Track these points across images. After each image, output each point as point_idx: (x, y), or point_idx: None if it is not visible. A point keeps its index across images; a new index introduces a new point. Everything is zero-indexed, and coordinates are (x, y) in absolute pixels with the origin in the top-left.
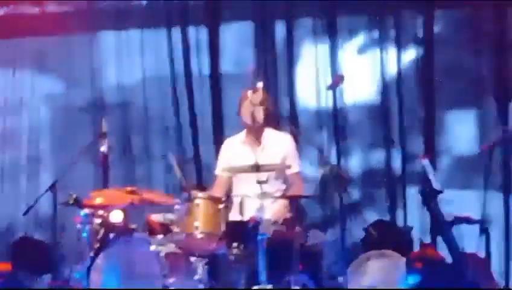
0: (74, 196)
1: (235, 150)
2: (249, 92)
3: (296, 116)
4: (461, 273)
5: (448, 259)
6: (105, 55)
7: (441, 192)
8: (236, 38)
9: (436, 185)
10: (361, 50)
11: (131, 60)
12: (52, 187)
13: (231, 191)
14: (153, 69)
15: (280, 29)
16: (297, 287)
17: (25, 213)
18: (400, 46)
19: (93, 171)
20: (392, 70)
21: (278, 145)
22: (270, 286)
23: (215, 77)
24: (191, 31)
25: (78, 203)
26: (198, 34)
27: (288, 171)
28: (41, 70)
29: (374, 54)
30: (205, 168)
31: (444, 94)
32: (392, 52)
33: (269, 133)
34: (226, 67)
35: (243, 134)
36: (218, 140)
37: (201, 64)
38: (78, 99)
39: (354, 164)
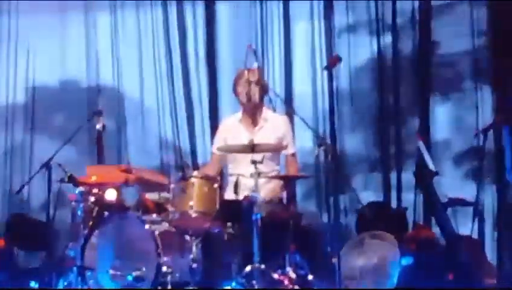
0: (69, 173)
1: (231, 129)
2: (245, 72)
3: (291, 97)
4: (455, 255)
5: (442, 241)
6: (101, 31)
7: (436, 173)
8: (233, 16)
9: (431, 166)
10: (357, 31)
11: (126, 36)
12: (47, 165)
13: (225, 169)
14: (149, 46)
15: (277, 8)
16: (291, 268)
17: (19, 191)
18: (396, 28)
19: (87, 150)
20: (388, 51)
21: (274, 125)
22: (263, 266)
23: (212, 55)
24: (188, 8)
25: (73, 181)
26: (195, 12)
27: (285, 152)
28: (36, 48)
29: (371, 35)
30: (200, 148)
31: (440, 78)
32: (388, 34)
33: (266, 114)
34: (222, 46)
35: (239, 114)
36: (214, 119)
37: (197, 43)
38: (73, 76)
39: (349, 145)
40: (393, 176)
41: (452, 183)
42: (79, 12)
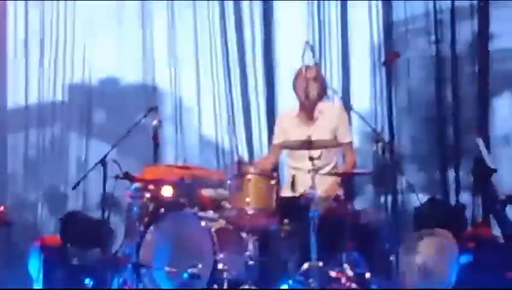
0: (124, 171)
1: (288, 125)
2: (303, 68)
3: (349, 93)
4: None
5: (501, 239)
6: (156, 26)
7: (495, 170)
8: (291, 13)
9: (490, 163)
10: (415, 25)
11: (183, 32)
12: (102, 161)
13: (281, 165)
14: (206, 42)
15: (335, 4)
16: (348, 265)
17: (74, 187)
18: (455, 20)
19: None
20: (446, 45)
21: (328, 117)
22: (320, 263)
23: (269, 51)
24: (245, 3)
25: (129, 177)
26: (252, 7)
27: (341, 141)
28: (92, 45)
29: (429, 28)
30: (256, 145)
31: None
32: (446, 27)
33: (322, 106)
34: (279, 41)
35: (296, 109)
36: (270, 116)
37: (254, 38)
38: (129, 70)
39: (406, 141)
40: (451, 173)
41: None
42: (136, 9)
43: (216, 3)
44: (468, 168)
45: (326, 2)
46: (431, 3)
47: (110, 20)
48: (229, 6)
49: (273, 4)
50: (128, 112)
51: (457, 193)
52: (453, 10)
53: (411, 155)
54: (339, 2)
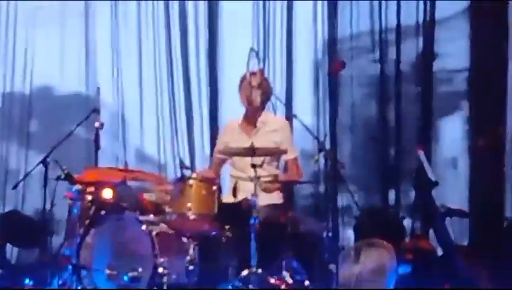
0: (66, 171)
1: (231, 132)
2: (247, 74)
3: (292, 100)
4: (452, 265)
5: (439, 251)
6: (101, 25)
7: (436, 183)
8: (236, 17)
9: (431, 176)
10: (362, 35)
11: (127, 30)
12: (44, 161)
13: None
14: (150, 42)
15: (280, 10)
16: (287, 273)
17: (14, 187)
18: (400, 39)
19: (84, 147)
20: (390, 64)
21: (272, 129)
22: (260, 270)
23: (213, 57)
24: (190, 4)
25: (70, 179)
26: (197, 9)
27: (285, 157)
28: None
29: (374, 40)
30: (198, 150)
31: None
32: (391, 39)
33: (265, 117)
34: (224, 46)
35: (240, 118)
36: (213, 121)
37: (198, 42)
38: (72, 69)
39: (349, 151)
40: (390, 194)
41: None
42: (79, 16)
43: (161, 7)
44: (408, 190)
45: (271, 6)
46: (377, 21)
47: (52, 27)
48: (175, 10)
49: (218, 10)
50: (68, 121)
51: (397, 204)
52: (398, 29)
53: (352, 165)
54: (284, 8)
